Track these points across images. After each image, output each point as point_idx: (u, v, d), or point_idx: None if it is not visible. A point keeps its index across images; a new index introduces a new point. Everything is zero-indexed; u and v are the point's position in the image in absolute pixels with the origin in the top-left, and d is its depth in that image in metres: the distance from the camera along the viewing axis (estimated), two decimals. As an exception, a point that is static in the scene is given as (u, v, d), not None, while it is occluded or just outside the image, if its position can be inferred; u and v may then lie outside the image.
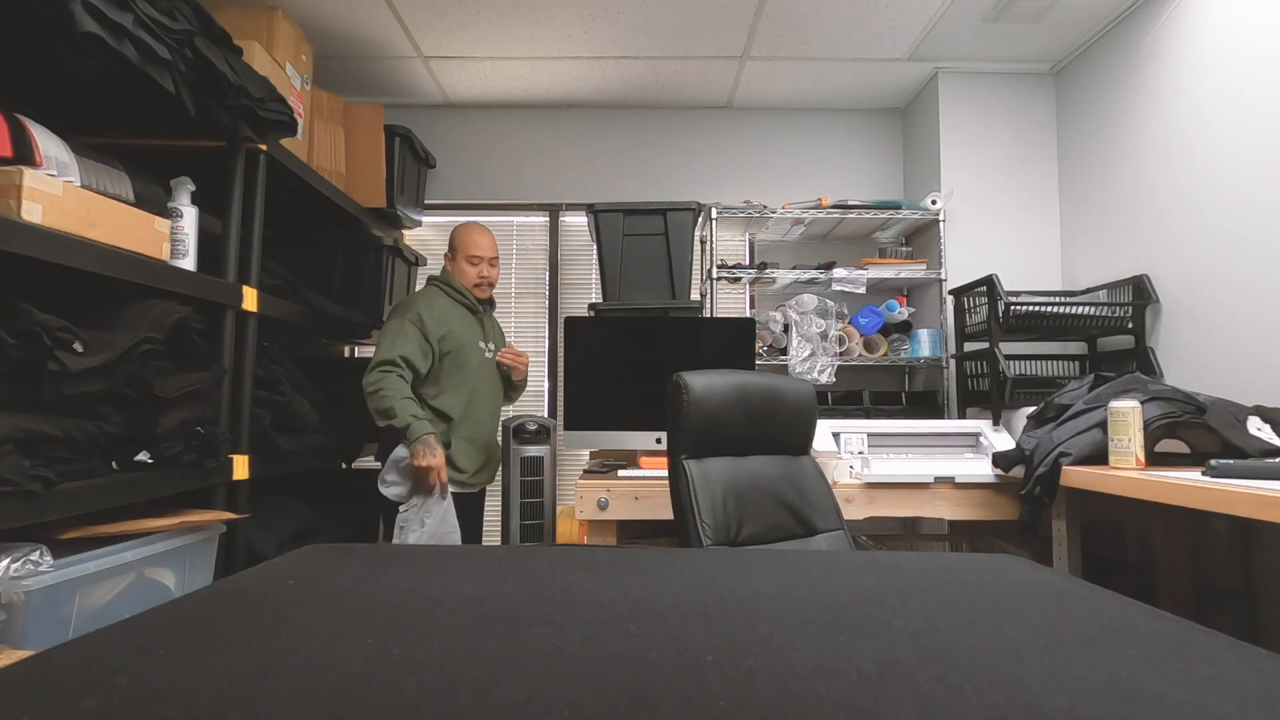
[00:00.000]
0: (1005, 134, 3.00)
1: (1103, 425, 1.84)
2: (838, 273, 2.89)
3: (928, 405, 2.93)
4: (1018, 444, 2.07)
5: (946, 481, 2.11)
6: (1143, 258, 2.43)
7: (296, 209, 2.34)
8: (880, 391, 2.97)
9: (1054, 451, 1.88)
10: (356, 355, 3.13)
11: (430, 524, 1.99)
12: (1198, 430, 1.80)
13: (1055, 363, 2.66)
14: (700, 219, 2.96)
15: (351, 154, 2.67)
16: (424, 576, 0.42)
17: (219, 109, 1.59)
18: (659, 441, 2.35)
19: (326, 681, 0.23)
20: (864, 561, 0.50)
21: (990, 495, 2.12)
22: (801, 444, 1.68)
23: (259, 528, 1.82)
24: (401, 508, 2.02)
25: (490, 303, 2.37)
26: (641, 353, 2.43)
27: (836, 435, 2.37)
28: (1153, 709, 0.23)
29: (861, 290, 2.92)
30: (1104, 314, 2.41)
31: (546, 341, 3.30)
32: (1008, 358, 2.49)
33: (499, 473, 2.36)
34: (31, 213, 1.15)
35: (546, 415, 2.98)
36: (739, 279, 3.07)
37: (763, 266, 3.00)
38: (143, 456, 1.41)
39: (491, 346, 2.31)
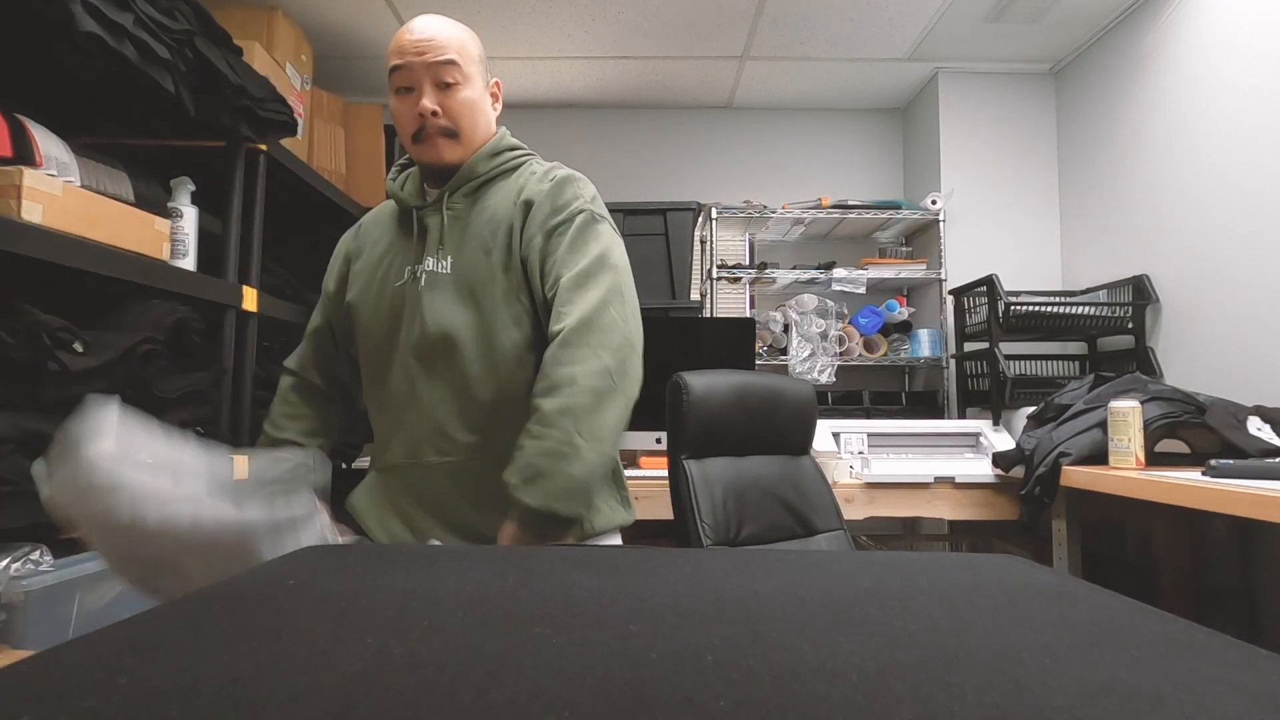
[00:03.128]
0: (1005, 134, 3.00)
1: (1103, 425, 1.84)
2: (838, 273, 2.89)
3: (928, 405, 2.93)
4: (1018, 444, 2.07)
5: (946, 481, 2.11)
6: (1143, 258, 2.43)
7: (296, 209, 2.34)
8: (880, 391, 2.97)
9: (1054, 451, 1.88)
10: (356, 355, 3.13)
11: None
12: (1198, 430, 1.80)
13: (1055, 363, 2.66)
14: (700, 219, 2.96)
15: (351, 154, 2.67)
16: (424, 576, 0.42)
17: (219, 109, 1.59)
18: (659, 441, 2.35)
19: (326, 682, 0.23)
20: (864, 561, 0.50)
21: (990, 495, 2.12)
22: (801, 444, 1.68)
23: (259, 528, 1.81)
24: None
25: (456, 171, 1.13)
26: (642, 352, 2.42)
27: (836, 435, 2.38)
28: (1153, 709, 0.23)
29: (861, 290, 2.92)
30: (1104, 314, 2.41)
31: (546, 341, 3.27)
32: (1008, 358, 2.49)
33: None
34: (31, 213, 1.14)
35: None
36: (739, 279, 3.07)
37: (763, 266, 3.01)
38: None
39: (445, 265, 1.10)
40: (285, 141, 1.98)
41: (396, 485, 1.14)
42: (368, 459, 1.33)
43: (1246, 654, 0.28)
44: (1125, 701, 0.24)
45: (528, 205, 1.10)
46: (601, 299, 1.02)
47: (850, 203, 2.97)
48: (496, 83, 1.23)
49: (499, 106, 1.22)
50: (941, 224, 2.92)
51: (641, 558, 0.48)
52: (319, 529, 0.72)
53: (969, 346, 2.70)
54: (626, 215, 2.60)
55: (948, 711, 0.23)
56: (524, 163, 1.18)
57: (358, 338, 1.19)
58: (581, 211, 1.09)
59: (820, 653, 0.28)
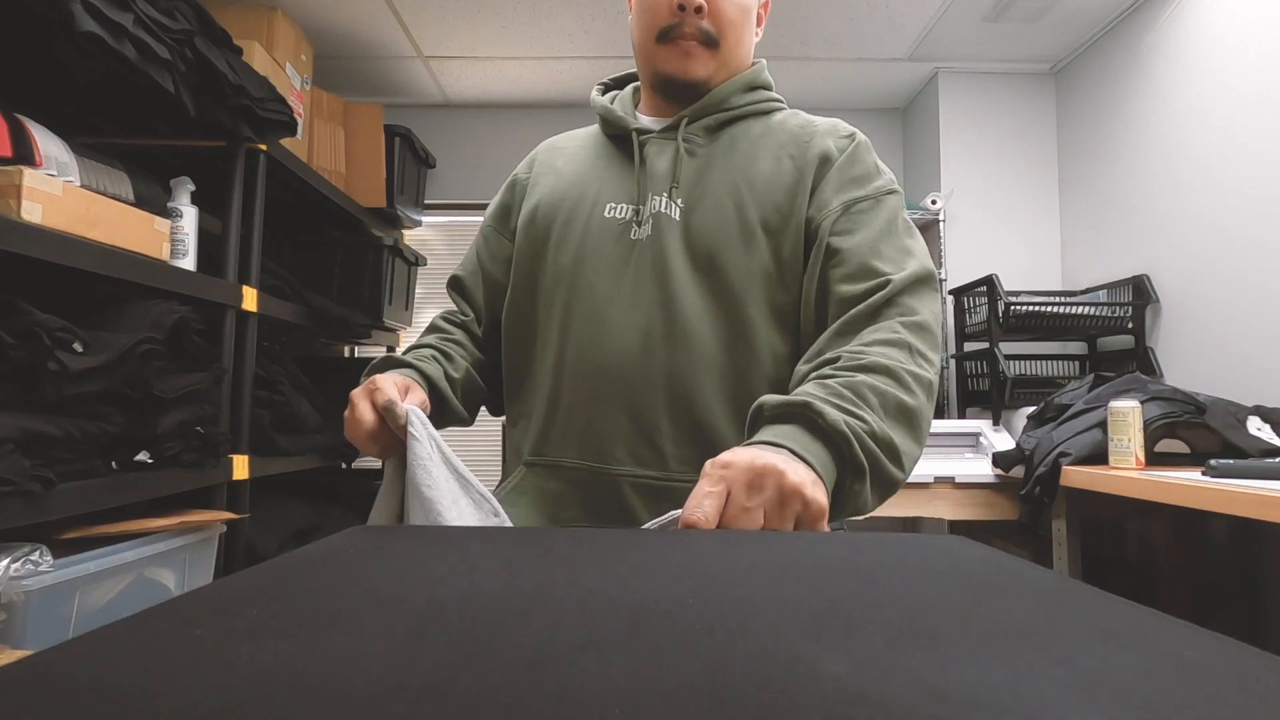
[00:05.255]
0: (1005, 134, 3.00)
1: (1102, 425, 1.84)
2: (838, 273, 2.89)
3: (928, 405, 2.92)
4: (1018, 444, 2.07)
5: (946, 481, 2.11)
6: (1143, 258, 2.43)
7: (296, 209, 2.34)
8: (880, 391, 2.97)
9: (1054, 451, 1.88)
10: (357, 355, 3.13)
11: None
12: (1198, 430, 1.80)
13: (1055, 363, 2.66)
14: (700, 219, 2.95)
15: (351, 154, 2.67)
16: (464, 562, 0.42)
17: (219, 109, 1.59)
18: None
19: (327, 680, 0.23)
20: (812, 539, 0.50)
21: (990, 495, 2.12)
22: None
23: (259, 528, 1.82)
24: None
25: (694, 93, 0.90)
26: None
27: (836, 435, 2.37)
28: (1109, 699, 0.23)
29: (861, 290, 2.92)
30: (1104, 314, 2.41)
31: (547, 341, 3.25)
32: (1008, 358, 2.49)
33: None
34: (31, 213, 1.15)
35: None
36: (739, 279, 3.07)
37: (763, 266, 3.00)
38: (143, 456, 1.41)
39: (674, 210, 0.85)
40: (285, 141, 1.98)
41: (561, 493, 0.83)
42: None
43: (1238, 650, 0.28)
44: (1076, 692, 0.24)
45: (824, 160, 0.86)
46: (935, 314, 0.79)
47: (850, 203, 2.97)
48: (766, 2, 0.97)
49: (761, 32, 0.97)
50: (941, 224, 2.92)
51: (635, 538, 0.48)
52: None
53: (969, 346, 2.69)
54: (626, 215, 2.59)
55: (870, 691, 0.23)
56: (779, 108, 0.95)
57: (518, 286, 0.92)
58: (892, 192, 0.87)
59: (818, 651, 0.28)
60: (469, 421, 0.94)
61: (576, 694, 0.22)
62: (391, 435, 0.75)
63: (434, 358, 0.89)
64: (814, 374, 0.72)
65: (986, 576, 0.38)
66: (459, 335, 0.96)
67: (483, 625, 0.30)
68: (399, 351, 0.96)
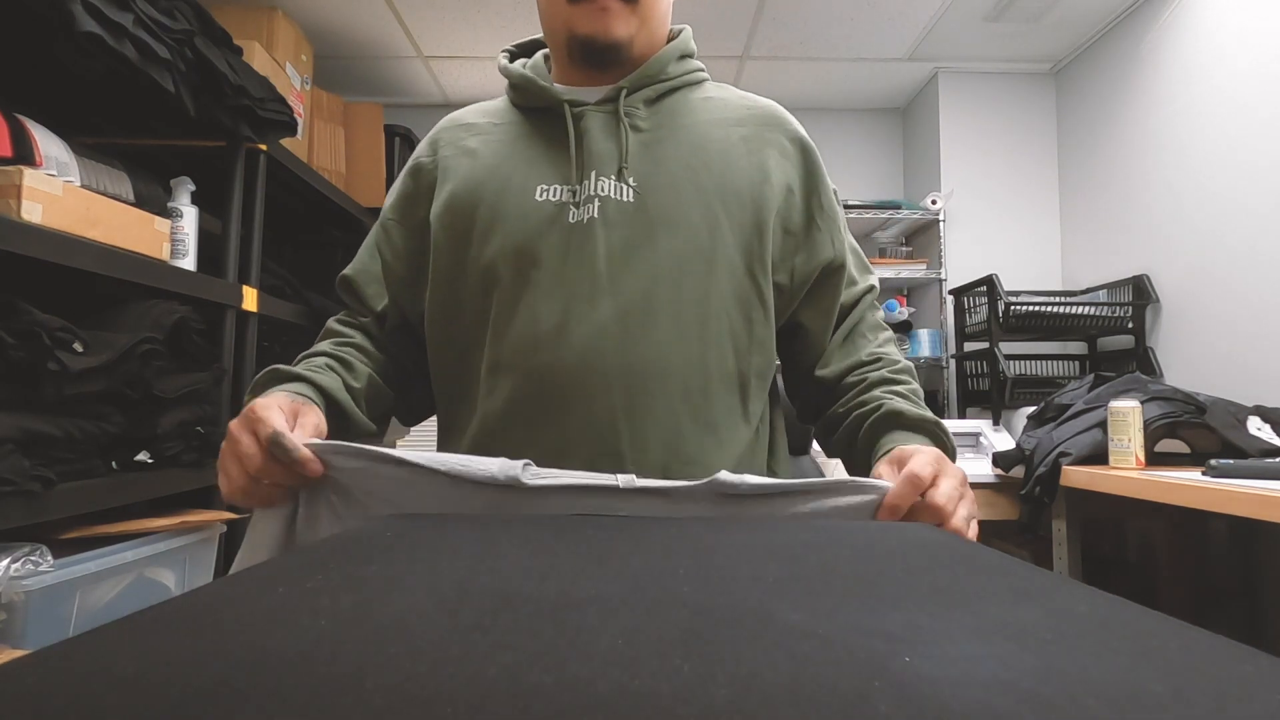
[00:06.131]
0: (1005, 134, 3.00)
1: (1103, 425, 1.84)
2: (838, 273, 2.89)
3: (927, 405, 2.92)
4: (1018, 444, 2.07)
5: (946, 481, 2.11)
6: (1143, 258, 2.43)
7: (296, 209, 2.34)
8: (880, 391, 2.96)
9: (1054, 451, 1.88)
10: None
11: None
12: (1198, 430, 1.80)
13: (1055, 363, 2.66)
14: (700, 219, 2.94)
15: (351, 154, 2.67)
16: (494, 550, 0.44)
17: (219, 109, 1.59)
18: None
19: (332, 680, 0.24)
20: (792, 526, 0.52)
21: (990, 495, 2.12)
22: (801, 443, 1.68)
23: (259, 528, 1.82)
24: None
25: (626, 51, 0.79)
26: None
27: (836, 435, 2.37)
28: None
29: (861, 290, 2.92)
30: (1104, 314, 2.41)
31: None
32: (1008, 358, 2.49)
33: None
34: (31, 213, 1.15)
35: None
36: (739, 279, 3.07)
37: (763, 266, 3.00)
38: (143, 456, 1.41)
39: (626, 189, 0.76)
40: (285, 141, 1.98)
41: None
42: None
43: (1223, 647, 0.28)
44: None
45: (782, 158, 0.82)
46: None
47: (850, 203, 2.97)
48: None
49: None
50: (941, 224, 2.92)
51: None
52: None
53: (969, 346, 2.69)
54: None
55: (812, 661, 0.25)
56: (706, 78, 0.89)
57: (439, 288, 0.81)
58: (834, 189, 0.89)
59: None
60: (378, 434, 0.83)
61: (585, 631, 0.28)
62: (279, 478, 0.60)
63: (329, 367, 0.76)
64: (876, 384, 0.80)
65: (936, 553, 0.44)
66: (357, 338, 0.84)
67: (512, 587, 0.34)
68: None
